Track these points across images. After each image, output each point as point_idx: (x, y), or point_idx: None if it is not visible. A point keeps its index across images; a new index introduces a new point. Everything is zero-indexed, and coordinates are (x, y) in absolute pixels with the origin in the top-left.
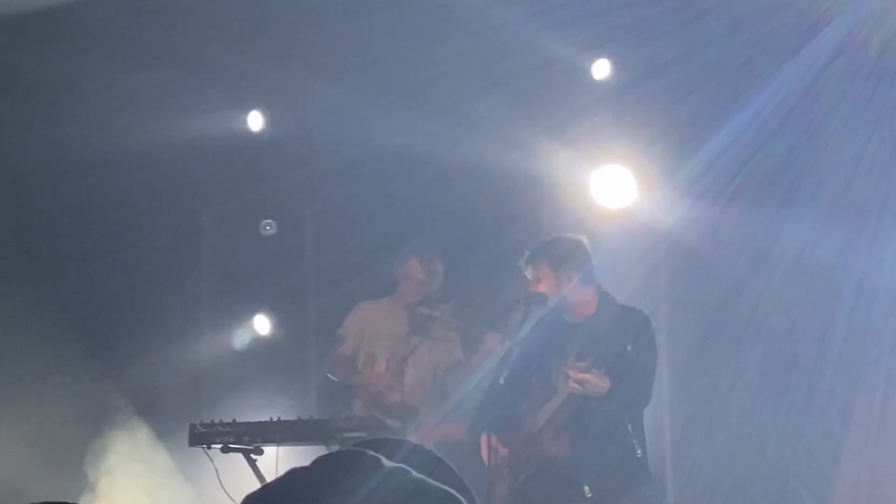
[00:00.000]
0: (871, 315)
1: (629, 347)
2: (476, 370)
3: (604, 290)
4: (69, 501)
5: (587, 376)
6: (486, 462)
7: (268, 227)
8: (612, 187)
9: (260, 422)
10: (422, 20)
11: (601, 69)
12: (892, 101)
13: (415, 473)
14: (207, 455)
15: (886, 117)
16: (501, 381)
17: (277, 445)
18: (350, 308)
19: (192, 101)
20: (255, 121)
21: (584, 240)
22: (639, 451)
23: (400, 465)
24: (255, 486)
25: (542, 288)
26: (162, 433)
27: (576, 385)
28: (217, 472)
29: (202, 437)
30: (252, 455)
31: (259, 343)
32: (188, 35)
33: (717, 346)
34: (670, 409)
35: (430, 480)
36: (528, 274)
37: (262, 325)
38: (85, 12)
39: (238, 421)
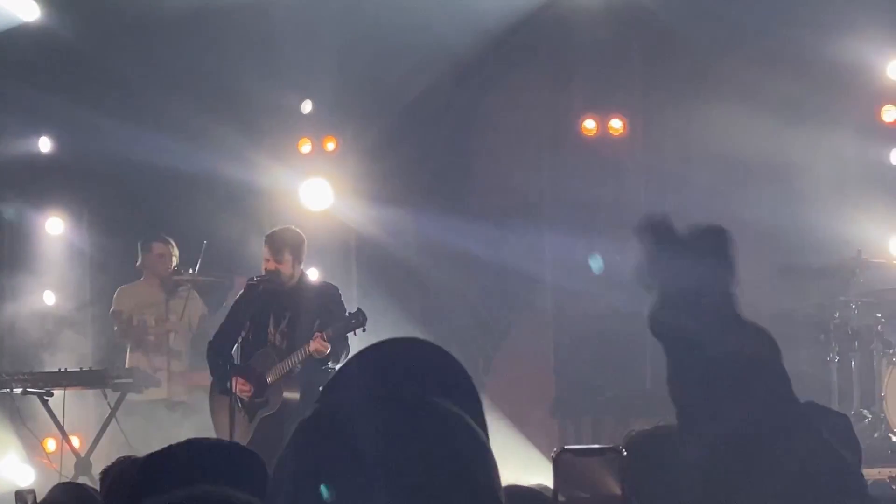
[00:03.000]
0: (506, 289)
1: (329, 313)
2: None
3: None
4: None
5: (327, 344)
6: (231, 401)
7: None
8: (314, 195)
9: (50, 371)
10: (175, 68)
11: (307, 106)
12: (529, 129)
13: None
14: (10, 396)
15: (524, 142)
16: (228, 339)
17: (64, 389)
18: (116, 287)
19: None
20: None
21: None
22: None
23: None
24: (48, 421)
25: (279, 268)
26: None
27: (319, 349)
28: (19, 409)
29: (5, 383)
30: (45, 397)
31: (49, 314)
32: None
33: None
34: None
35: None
36: (269, 254)
37: (49, 298)
38: None
39: (34, 371)
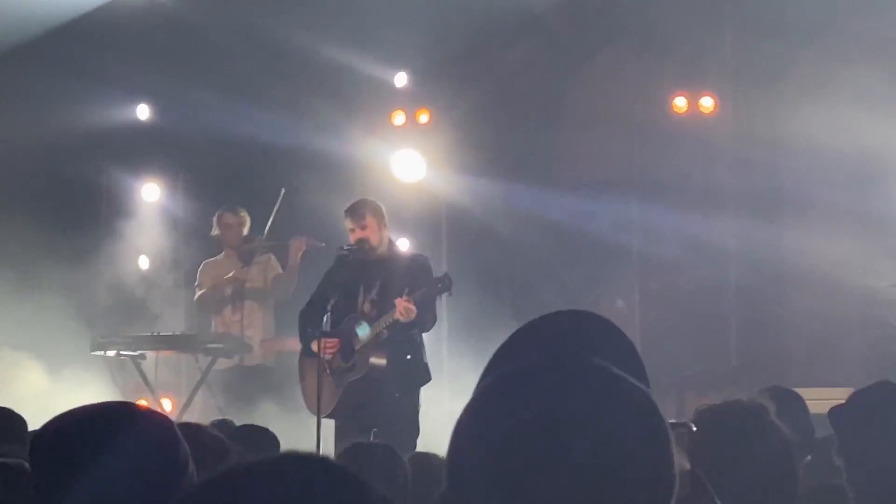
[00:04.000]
0: (594, 262)
1: (418, 281)
2: (293, 274)
3: (392, 239)
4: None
5: (413, 307)
6: (318, 363)
7: None
8: (407, 166)
9: (144, 335)
10: (272, 41)
11: (401, 79)
12: (620, 104)
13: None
14: (105, 359)
15: (615, 117)
16: (318, 308)
17: (157, 352)
18: (208, 253)
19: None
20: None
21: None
22: (425, 359)
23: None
24: (140, 383)
25: (366, 234)
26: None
27: (403, 314)
28: (112, 371)
29: (102, 345)
30: (138, 360)
31: (144, 278)
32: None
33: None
34: (448, 321)
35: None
36: (352, 224)
37: (144, 264)
38: None
39: (128, 334)
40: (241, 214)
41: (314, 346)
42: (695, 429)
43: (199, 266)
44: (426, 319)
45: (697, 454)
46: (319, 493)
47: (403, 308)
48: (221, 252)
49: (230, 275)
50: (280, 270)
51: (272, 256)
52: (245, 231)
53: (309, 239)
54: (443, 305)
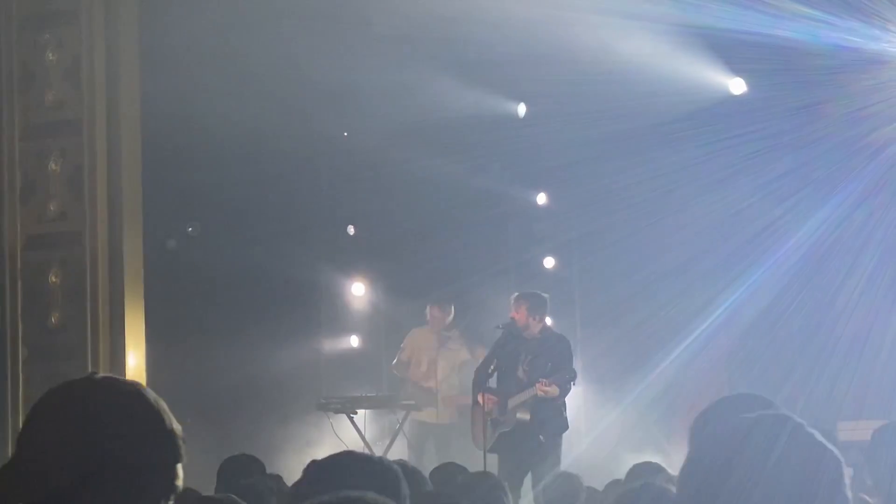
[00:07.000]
0: (686, 330)
1: (559, 359)
2: (474, 365)
3: (545, 322)
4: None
5: (550, 388)
6: (481, 415)
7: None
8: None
9: (355, 396)
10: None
11: (541, 198)
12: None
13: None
14: (326, 415)
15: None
16: (485, 370)
17: (365, 409)
18: (406, 332)
19: None
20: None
21: (546, 296)
22: (565, 414)
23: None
24: (354, 434)
25: (516, 317)
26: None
27: (543, 392)
28: (332, 424)
29: (324, 405)
30: (351, 415)
31: (353, 351)
32: None
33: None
34: (584, 391)
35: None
36: (513, 309)
37: (354, 341)
38: None
39: (343, 395)
40: (446, 308)
41: (480, 400)
42: None
43: (395, 342)
44: (561, 392)
45: None
46: None
47: (542, 391)
48: (426, 325)
49: (429, 349)
50: (468, 357)
51: (464, 348)
52: (448, 321)
53: (485, 348)
54: (580, 363)
